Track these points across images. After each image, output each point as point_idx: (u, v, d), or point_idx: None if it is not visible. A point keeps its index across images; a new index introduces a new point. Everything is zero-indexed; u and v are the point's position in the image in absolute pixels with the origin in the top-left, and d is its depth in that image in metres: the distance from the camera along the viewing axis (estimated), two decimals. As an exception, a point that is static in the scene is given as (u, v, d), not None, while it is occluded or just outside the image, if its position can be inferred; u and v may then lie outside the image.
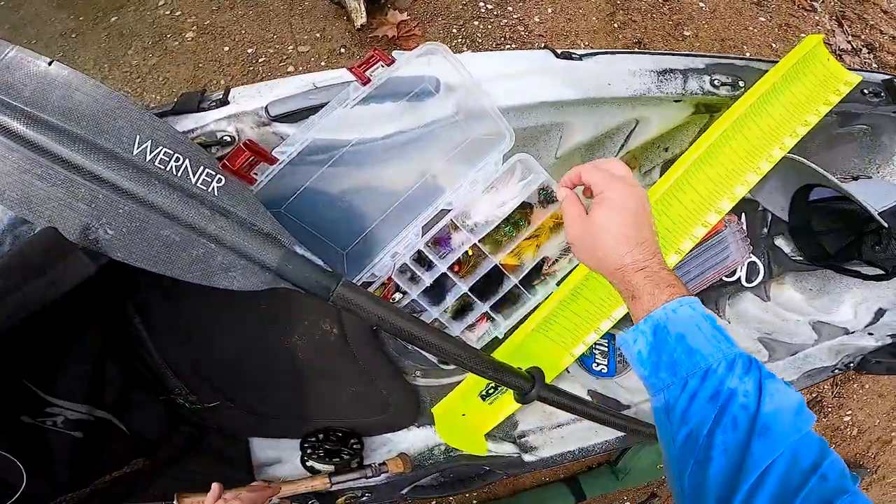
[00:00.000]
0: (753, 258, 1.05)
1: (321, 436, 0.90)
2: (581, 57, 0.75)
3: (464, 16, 1.35)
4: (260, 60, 1.29)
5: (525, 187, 0.74)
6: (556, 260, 0.80)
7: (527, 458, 0.95)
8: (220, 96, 0.66)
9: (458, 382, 0.88)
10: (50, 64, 0.58)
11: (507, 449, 0.95)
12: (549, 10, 1.40)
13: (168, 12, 1.30)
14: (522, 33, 1.35)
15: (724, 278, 1.02)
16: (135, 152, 0.57)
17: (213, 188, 0.58)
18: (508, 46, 1.32)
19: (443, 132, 0.68)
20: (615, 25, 1.47)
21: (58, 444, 0.76)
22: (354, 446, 0.91)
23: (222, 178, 0.58)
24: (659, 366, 0.43)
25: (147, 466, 0.85)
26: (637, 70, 0.77)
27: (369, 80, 0.58)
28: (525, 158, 0.74)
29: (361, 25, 1.21)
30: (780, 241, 1.10)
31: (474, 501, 1.42)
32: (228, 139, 0.63)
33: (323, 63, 1.28)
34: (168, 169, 0.57)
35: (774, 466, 0.36)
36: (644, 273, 0.46)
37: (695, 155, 0.76)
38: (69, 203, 0.57)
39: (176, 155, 0.57)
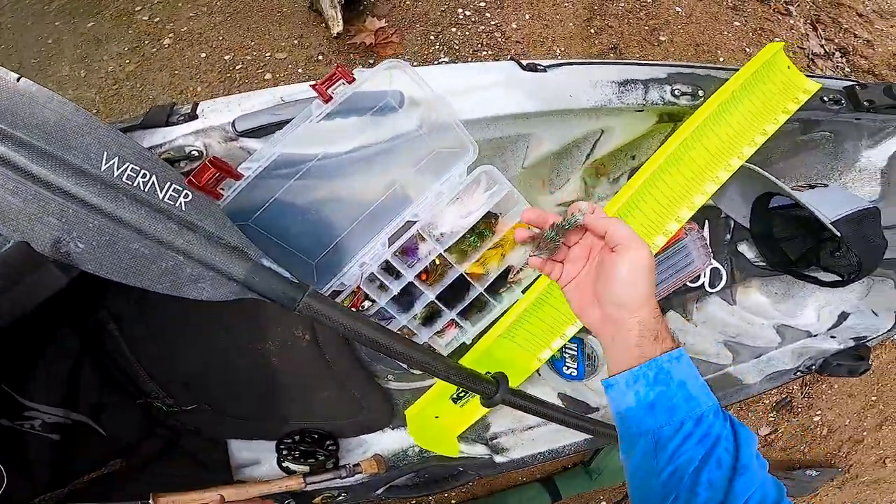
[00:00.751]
0: (716, 264, 1.08)
1: (297, 437, 0.92)
2: (546, 68, 0.78)
3: (441, 22, 1.36)
4: (237, 67, 1.30)
5: (490, 198, 0.77)
6: (521, 269, 0.83)
7: (498, 459, 0.97)
8: (189, 110, 0.68)
9: (431, 386, 0.90)
10: (18, 80, 0.59)
11: (479, 451, 0.98)
12: (527, 17, 1.42)
13: (146, 17, 1.31)
14: (500, 40, 1.37)
15: (688, 284, 1.05)
16: (102, 168, 0.59)
17: (181, 203, 0.60)
18: (485, 53, 1.34)
19: (407, 146, 0.71)
20: (592, 31, 1.49)
21: (36, 446, 0.78)
22: (330, 447, 0.93)
23: (189, 193, 0.60)
24: (655, 408, 0.48)
25: (124, 468, 0.87)
26: (598, 81, 0.79)
27: (331, 98, 0.60)
28: (489, 170, 0.76)
29: (338, 34, 1.23)
30: (742, 248, 1.13)
31: (453, 501, 1.44)
32: (196, 154, 0.65)
33: (300, 70, 1.29)
34: (135, 185, 0.59)
35: (750, 502, 0.43)
36: (661, 317, 0.51)
37: (654, 166, 0.79)
38: (40, 217, 0.59)
39: (143, 171, 0.59)
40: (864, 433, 1.72)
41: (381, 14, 1.30)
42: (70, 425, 0.83)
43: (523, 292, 0.82)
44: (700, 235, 0.97)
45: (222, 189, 0.62)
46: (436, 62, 1.27)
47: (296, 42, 1.31)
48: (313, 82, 0.62)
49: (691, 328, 1.15)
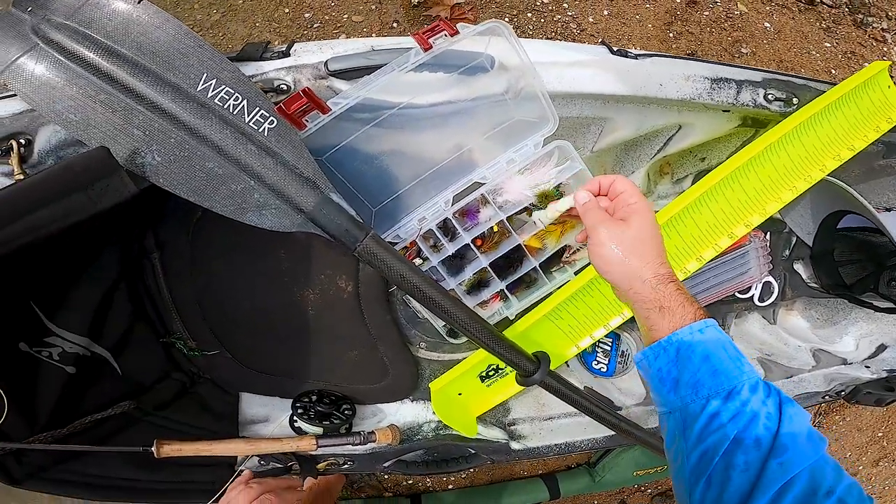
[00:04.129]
0: (770, 278, 1.04)
1: (314, 397, 0.88)
2: (636, 56, 0.74)
3: (518, 6, 1.34)
4: (314, 26, 1.30)
5: (560, 173, 0.75)
6: (578, 249, 0.81)
7: (514, 445, 0.95)
8: (283, 49, 0.68)
9: (460, 360, 0.87)
10: (139, 2, 0.61)
11: (496, 434, 0.96)
12: (605, 13, 1.38)
13: None
14: (574, 31, 1.33)
15: (737, 294, 1.01)
16: (199, 88, 0.59)
17: (265, 129, 0.60)
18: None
19: (488, 109, 0.69)
20: (670, 35, 1.44)
21: (48, 379, 0.76)
22: (346, 412, 0.89)
23: (274, 120, 0.60)
24: (679, 383, 0.45)
25: (132, 410, 0.83)
26: (692, 75, 0.75)
27: (430, 47, 0.60)
28: (564, 145, 0.74)
29: (417, 3, 1.22)
30: (798, 266, 1.08)
31: (451, 486, 1.42)
32: (285, 87, 0.65)
33: (374, 35, 1.27)
34: (226, 106, 0.59)
35: (791, 486, 0.37)
36: (675, 285, 0.48)
37: (735, 164, 0.75)
38: (124, 128, 0.59)
39: (236, 94, 0.59)
40: (860, 467, 1.67)
41: None
42: (88, 358, 0.80)
43: (576, 274, 0.80)
44: (764, 244, 0.93)
45: (307, 121, 0.62)
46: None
47: (373, 7, 1.31)
48: (409, 35, 0.62)
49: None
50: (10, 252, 0.56)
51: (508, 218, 0.75)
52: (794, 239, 1.04)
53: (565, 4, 1.37)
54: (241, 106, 0.59)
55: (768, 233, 1.01)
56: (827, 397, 0.99)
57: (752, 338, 1.10)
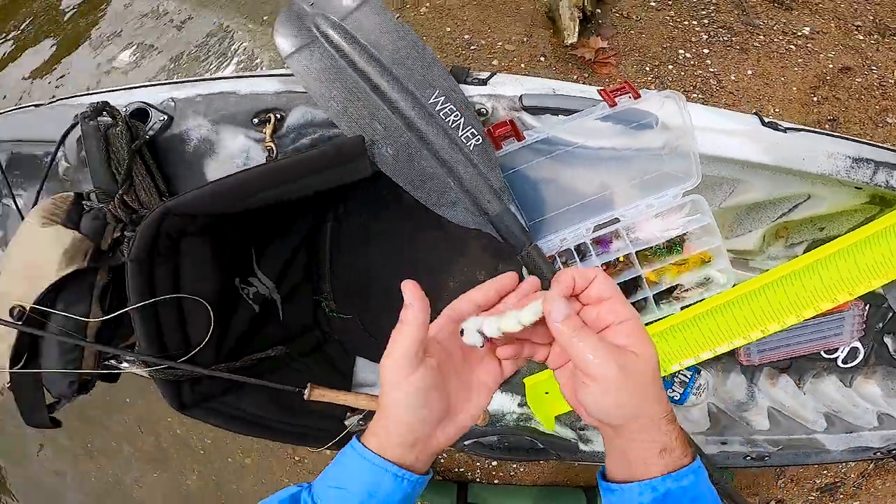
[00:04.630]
0: (858, 344, 1.08)
1: None
2: (785, 130, 0.82)
3: (660, 57, 1.41)
4: (472, 47, 1.46)
5: (689, 223, 0.86)
6: (688, 289, 0.92)
7: (582, 446, 1.05)
8: (483, 77, 0.83)
9: None
10: (397, 17, 0.78)
11: (568, 434, 1.06)
12: (749, 72, 1.41)
13: None
14: (713, 86, 1.39)
15: (823, 352, 1.07)
16: (430, 101, 0.76)
17: (472, 144, 0.76)
18: (695, 96, 1.37)
19: (643, 159, 0.81)
20: (814, 99, 1.44)
21: (241, 313, 0.85)
22: None
23: (480, 138, 0.76)
24: None
25: (283, 355, 0.92)
26: (834, 153, 0.81)
27: (615, 105, 0.73)
28: (699, 200, 0.85)
29: (570, 44, 1.34)
30: (888, 339, 1.10)
31: (496, 480, 1.51)
32: (484, 111, 0.80)
33: (522, 65, 1.42)
34: (447, 120, 0.76)
35: None
36: (675, 424, 0.42)
37: (854, 239, 0.81)
38: (370, 123, 0.77)
39: (456, 112, 0.76)
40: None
41: (606, 35, 1.38)
42: (268, 301, 0.92)
43: (681, 309, 0.91)
44: (861, 313, 0.98)
45: (503, 144, 0.77)
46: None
47: (525, 39, 1.45)
48: (599, 88, 0.75)
49: (797, 393, 1.17)
50: (260, 207, 0.74)
51: (639, 251, 0.87)
52: (891, 314, 1.08)
53: (708, 61, 1.43)
54: (458, 122, 0.75)
55: (868, 305, 1.05)
56: (878, 453, 1.04)
57: (824, 396, 1.14)
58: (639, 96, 0.73)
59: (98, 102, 0.77)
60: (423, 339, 0.40)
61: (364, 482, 0.41)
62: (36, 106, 0.96)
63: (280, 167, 0.70)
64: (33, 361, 0.81)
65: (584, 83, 1.32)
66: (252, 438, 1.65)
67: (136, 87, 0.90)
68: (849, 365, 1.11)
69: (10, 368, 0.79)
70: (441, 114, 0.75)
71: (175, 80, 0.90)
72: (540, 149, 0.79)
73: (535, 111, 0.79)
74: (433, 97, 0.75)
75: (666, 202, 0.83)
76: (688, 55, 1.43)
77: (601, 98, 0.75)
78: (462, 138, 0.76)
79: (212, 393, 0.80)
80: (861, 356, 1.10)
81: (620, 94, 0.73)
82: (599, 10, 1.35)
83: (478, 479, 1.53)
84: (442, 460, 1.52)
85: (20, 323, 0.78)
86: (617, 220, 0.85)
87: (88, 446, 1.99)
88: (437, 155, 0.76)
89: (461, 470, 1.52)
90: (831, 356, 1.10)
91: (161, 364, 0.73)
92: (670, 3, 1.38)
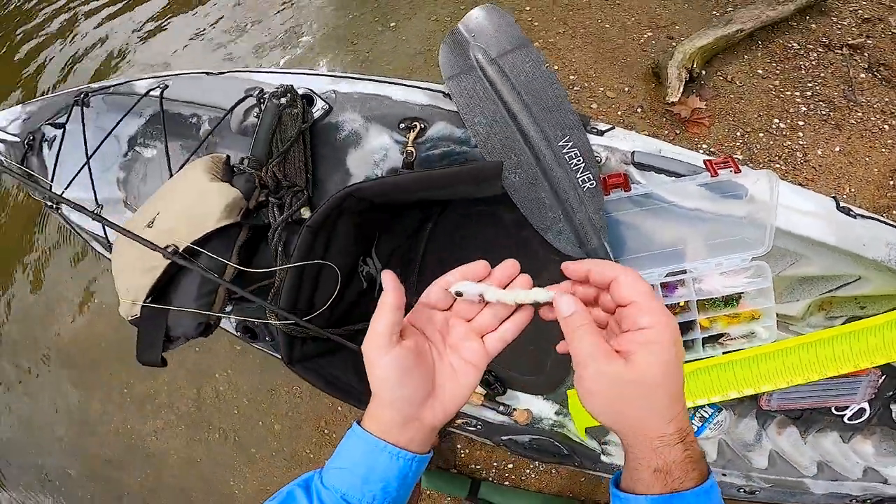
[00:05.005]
0: (866, 405, 1.20)
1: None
2: (856, 216, 0.92)
3: (753, 125, 1.45)
4: (575, 88, 1.53)
5: (750, 284, 0.99)
6: (734, 338, 1.05)
7: (603, 458, 1.17)
8: (602, 129, 0.96)
9: None
10: (547, 66, 0.90)
11: (593, 445, 1.18)
12: (837, 149, 1.44)
13: (528, 17, 1.58)
14: (798, 159, 1.43)
15: (833, 408, 1.20)
16: (559, 143, 0.89)
17: (587, 186, 0.89)
18: (777, 166, 1.42)
19: (724, 223, 0.94)
20: (891, 183, 1.46)
21: (354, 287, 0.95)
22: (500, 388, 1.13)
23: (595, 183, 0.89)
24: None
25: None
26: (891, 243, 0.91)
27: (717, 175, 0.85)
28: (763, 266, 0.97)
29: (670, 101, 1.42)
30: (894, 407, 1.20)
31: (506, 482, 1.59)
32: (599, 160, 0.93)
33: (619, 113, 1.49)
34: (570, 162, 0.89)
35: None
36: (683, 446, 0.39)
37: (888, 319, 0.93)
38: (506, 151, 0.89)
39: (580, 157, 0.89)
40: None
41: (705, 97, 1.45)
42: (372, 280, 1.01)
43: (723, 353, 1.05)
44: (876, 379, 1.10)
45: (610, 192, 0.90)
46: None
47: (626, 89, 1.51)
48: (705, 158, 0.87)
49: (800, 442, 1.30)
50: (409, 202, 0.87)
51: (699, 300, 1.00)
52: (902, 385, 1.20)
53: (801, 133, 1.47)
54: (580, 166, 0.88)
55: (884, 374, 1.17)
56: (854, 501, 1.16)
57: (822, 448, 1.26)
58: (739, 171, 0.84)
59: (286, 86, 0.90)
60: (396, 322, 0.43)
61: (363, 462, 0.43)
62: (207, 73, 1.10)
63: (438, 175, 0.83)
64: (161, 300, 0.89)
65: (674, 140, 1.38)
66: (288, 406, 1.78)
67: (300, 73, 1.03)
68: (853, 422, 1.24)
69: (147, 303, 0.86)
70: (566, 156, 0.88)
71: (336, 74, 1.03)
72: (639, 200, 0.92)
73: (642, 167, 0.91)
74: (563, 140, 0.88)
75: (734, 263, 0.96)
76: (782, 125, 1.47)
77: (704, 167, 0.87)
78: (579, 180, 0.88)
79: (312, 354, 0.90)
80: (866, 416, 1.22)
81: (723, 168, 0.85)
82: (704, 72, 1.43)
83: (491, 479, 1.63)
84: (462, 456, 1.62)
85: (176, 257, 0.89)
86: (685, 271, 0.98)
87: (125, 391, 2.02)
88: (556, 190, 0.89)
89: (478, 467, 1.62)
90: (839, 413, 1.23)
91: (291, 319, 0.84)
92: (777, 72, 1.44)
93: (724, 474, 1.25)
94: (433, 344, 0.48)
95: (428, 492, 1.64)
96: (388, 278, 0.45)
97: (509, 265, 0.48)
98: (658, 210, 0.93)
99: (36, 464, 2.06)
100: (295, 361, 0.87)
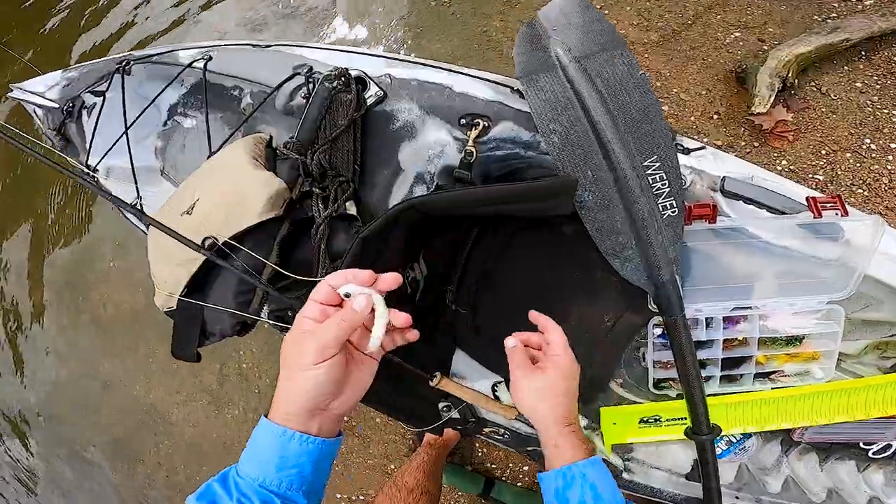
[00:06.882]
0: (893, 443, 1.19)
1: None
2: None
3: (841, 143, 1.31)
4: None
5: (818, 326, 0.91)
6: (787, 376, 0.99)
7: (624, 474, 1.15)
8: (692, 147, 0.83)
9: (633, 402, 1.05)
10: (641, 73, 0.77)
11: (616, 460, 1.16)
12: None
13: (600, 5, 1.36)
14: (883, 185, 1.30)
15: (862, 443, 1.18)
16: (645, 162, 0.77)
17: (667, 214, 0.79)
18: (860, 192, 1.29)
19: (809, 263, 0.85)
20: None
21: (394, 293, 0.92)
22: (474, 425, 1.03)
23: (676, 210, 0.79)
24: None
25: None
26: None
27: (821, 216, 0.75)
28: (837, 311, 0.89)
29: (757, 112, 1.25)
30: None
31: (518, 483, 1.56)
32: (683, 181, 0.83)
33: (692, 118, 1.34)
34: (653, 185, 0.78)
35: None
36: (571, 428, 0.64)
37: None
38: (580, 166, 0.78)
39: (665, 180, 0.78)
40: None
41: (794, 108, 1.27)
42: (416, 283, 0.94)
43: (771, 388, 1.00)
44: None
45: (693, 221, 0.80)
46: (809, 175, 1.28)
47: (703, 92, 1.35)
48: (808, 195, 0.76)
49: (816, 470, 1.30)
50: (478, 216, 0.78)
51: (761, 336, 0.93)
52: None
53: (891, 156, 1.34)
54: (663, 191, 0.78)
55: None
56: None
57: (835, 476, 1.26)
58: (846, 214, 0.74)
59: (341, 69, 0.79)
60: (343, 338, 0.48)
61: (277, 452, 0.48)
62: (253, 46, 0.97)
63: (507, 192, 0.74)
64: (198, 294, 0.85)
65: (750, 153, 1.23)
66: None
67: (352, 52, 0.91)
68: (877, 457, 1.22)
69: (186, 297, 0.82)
70: (650, 178, 0.78)
71: (392, 56, 0.90)
72: (722, 233, 0.82)
73: (732, 196, 0.81)
74: (649, 160, 0.77)
75: (809, 304, 0.87)
76: (873, 146, 1.32)
77: (806, 204, 0.76)
78: (660, 206, 0.78)
79: None
80: (891, 452, 1.20)
81: (830, 209, 0.74)
82: (797, 81, 1.26)
83: (505, 479, 1.63)
84: (480, 455, 1.60)
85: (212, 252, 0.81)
86: (750, 307, 0.90)
87: (150, 361, 2.03)
88: (632, 216, 0.79)
89: (493, 467, 1.61)
90: (866, 447, 1.21)
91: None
92: (877, 87, 1.27)
93: (737, 496, 1.24)
94: (351, 357, 0.53)
95: (447, 487, 1.64)
96: (365, 299, 0.49)
97: (390, 279, 0.53)
98: (741, 244, 0.83)
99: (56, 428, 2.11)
100: None
